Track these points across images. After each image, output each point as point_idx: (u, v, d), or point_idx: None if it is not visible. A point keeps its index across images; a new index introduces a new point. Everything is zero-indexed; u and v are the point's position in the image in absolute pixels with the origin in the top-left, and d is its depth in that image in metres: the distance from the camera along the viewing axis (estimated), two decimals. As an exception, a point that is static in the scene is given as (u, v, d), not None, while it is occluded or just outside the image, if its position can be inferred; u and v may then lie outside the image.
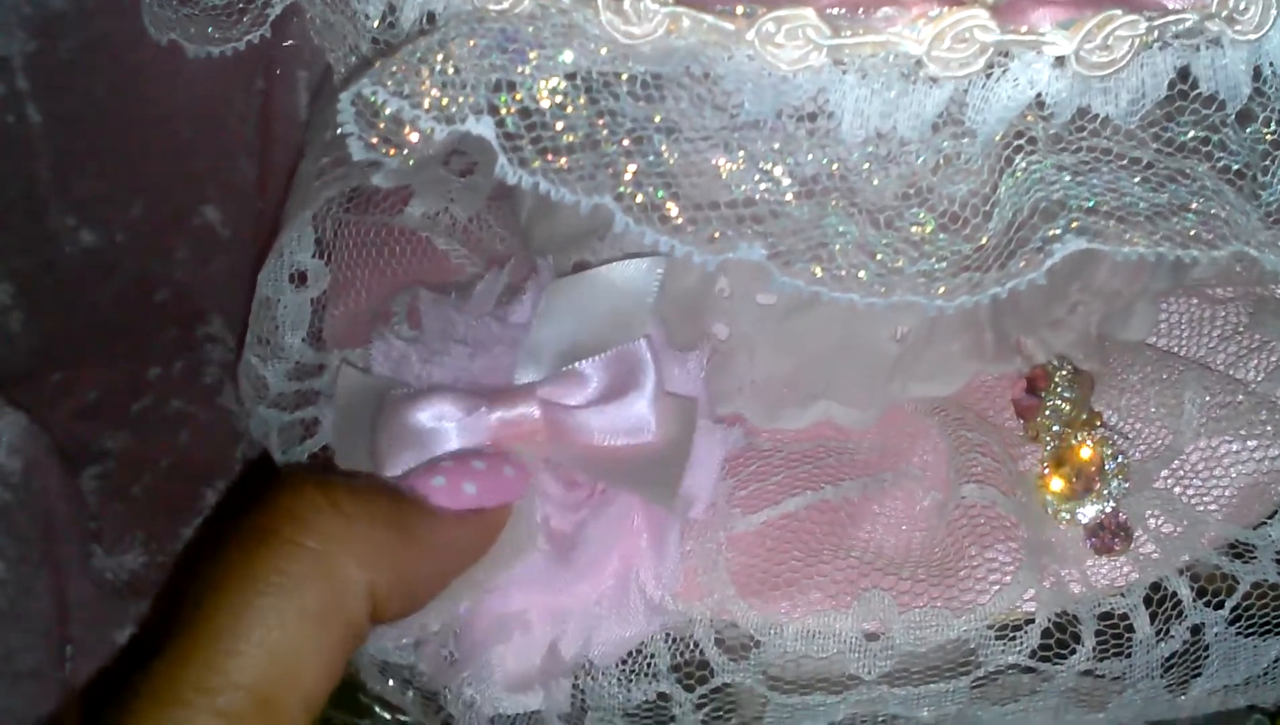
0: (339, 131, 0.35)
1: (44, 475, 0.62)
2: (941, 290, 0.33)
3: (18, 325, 0.72)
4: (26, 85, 0.66)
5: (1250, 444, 0.45)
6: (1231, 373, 0.48)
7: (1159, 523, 0.44)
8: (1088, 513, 0.45)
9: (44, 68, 0.66)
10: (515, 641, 0.43)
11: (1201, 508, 0.45)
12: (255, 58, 0.67)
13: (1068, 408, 0.46)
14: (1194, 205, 0.33)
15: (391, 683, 0.48)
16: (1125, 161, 0.34)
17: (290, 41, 0.67)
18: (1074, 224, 0.32)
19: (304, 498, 0.36)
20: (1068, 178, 0.33)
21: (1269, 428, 0.45)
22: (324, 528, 0.36)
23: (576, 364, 0.44)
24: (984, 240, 0.34)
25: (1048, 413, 0.46)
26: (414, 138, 0.35)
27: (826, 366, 0.48)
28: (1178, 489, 0.45)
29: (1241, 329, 0.49)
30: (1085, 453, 0.45)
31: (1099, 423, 0.46)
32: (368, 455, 0.45)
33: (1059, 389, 0.46)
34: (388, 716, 0.56)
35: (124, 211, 0.71)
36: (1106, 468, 0.45)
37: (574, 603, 0.43)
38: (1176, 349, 0.49)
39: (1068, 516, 0.45)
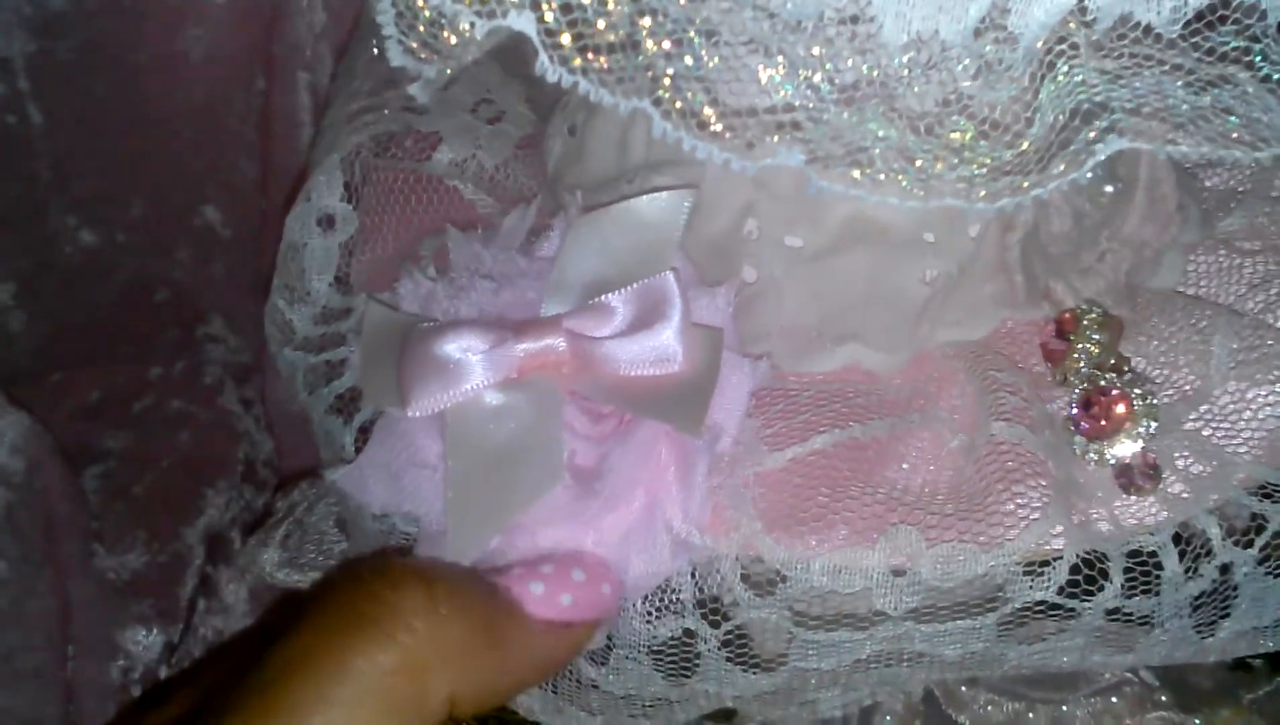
0: (379, 31, 0.35)
1: (45, 475, 0.62)
2: (982, 194, 0.33)
3: (19, 325, 0.72)
4: (27, 85, 0.67)
5: (1279, 388, 0.45)
6: (1261, 320, 0.47)
7: (1188, 463, 0.44)
8: (1116, 453, 0.44)
9: (44, 68, 0.67)
10: None
11: (1230, 449, 0.44)
12: (255, 58, 0.68)
13: (1096, 351, 0.46)
14: (1237, 109, 0.33)
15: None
16: (1167, 67, 0.34)
17: (290, 41, 0.68)
18: (1117, 124, 0.32)
19: (407, 593, 0.36)
20: (1110, 81, 0.33)
21: (1298, 373, 0.45)
22: (420, 627, 0.35)
23: (603, 297, 0.44)
24: (1025, 145, 0.34)
25: (1076, 356, 0.46)
26: (453, 41, 0.35)
27: (855, 310, 0.48)
28: (1206, 431, 0.45)
29: (1270, 278, 0.49)
30: (1114, 393, 0.45)
31: (1127, 367, 0.46)
32: (394, 393, 0.44)
33: (1088, 332, 0.46)
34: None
35: (124, 211, 0.72)
36: (1136, 409, 0.45)
37: (601, 538, 0.43)
38: (1205, 297, 0.49)
39: (1096, 456, 0.44)
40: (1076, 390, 0.46)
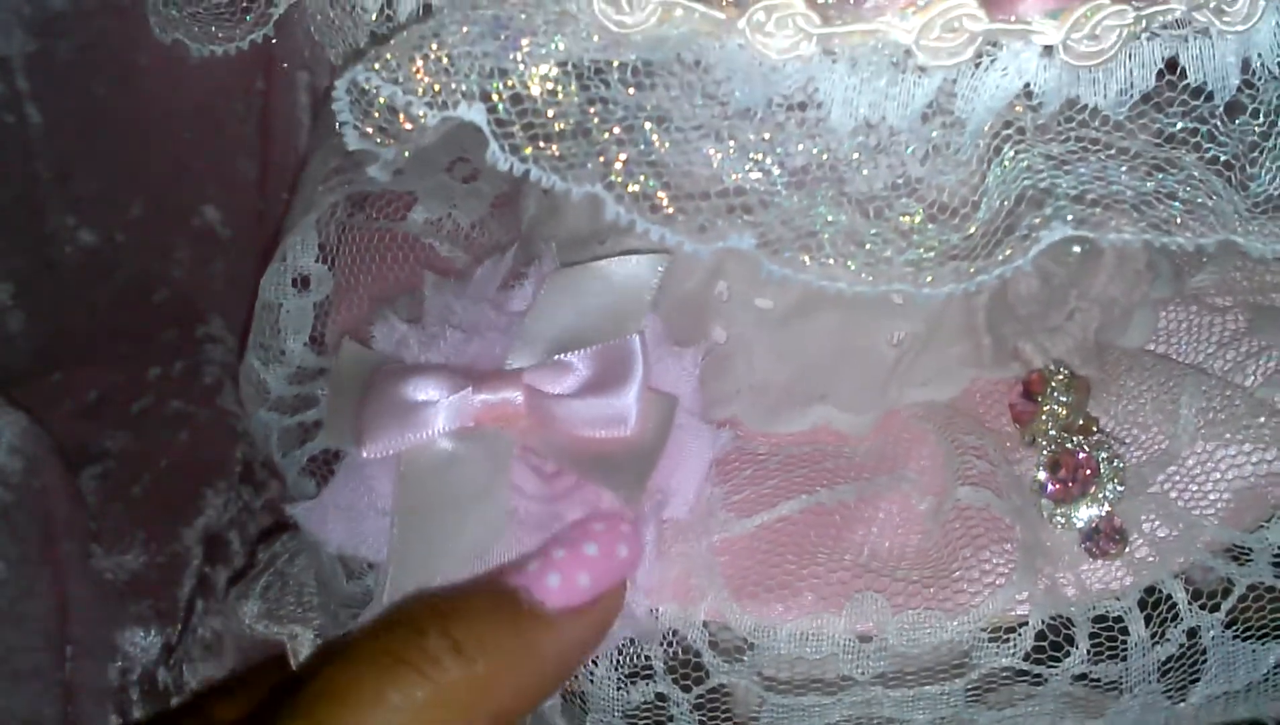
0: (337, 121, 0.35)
1: (44, 475, 0.63)
2: (929, 279, 0.33)
3: (18, 325, 0.73)
4: (26, 85, 0.67)
5: (1247, 448, 0.45)
6: (1230, 378, 0.47)
7: (1154, 526, 0.44)
8: (1083, 516, 0.44)
9: (44, 68, 0.67)
10: None
11: (1197, 512, 0.44)
12: (255, 58, 0.68)
13: (1064, 412, 0.46)
14: (1181, 193, 0.33)
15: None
16: (1113, 151, 0.34)
17: (290, 42, 0.68)
18: (1060, 211, 0.32)
19: (430, 639, 0.37)
20: (1055, 167, 0.33)
21: (1266, 432, 0.45)
22: (451, 665, 0.36)
23: (565, 354, 0.44)
24: (972, 230, 0.34)
25: (1044, 417, 0.46)
26: (409, 126, 0.35)
27: (824, 371, 0.48)
28: (1173, 493, 0.45)
29: (1240, 335, 0.49)
30: (1081, 457, 0.45)
31: (1095, 428, 0.46)
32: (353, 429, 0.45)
33: (1055, 393, 0.46)
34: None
35: (124, 211, 0.72)
36: (1102, 472, 0.45)
37: None
38: (1175, 355, 0.49)
39: (1063, 520, 0.45)
40: (1044, 452, 0.46)
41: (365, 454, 0.44)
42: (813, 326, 0.47)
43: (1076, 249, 0.47)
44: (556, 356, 0.44)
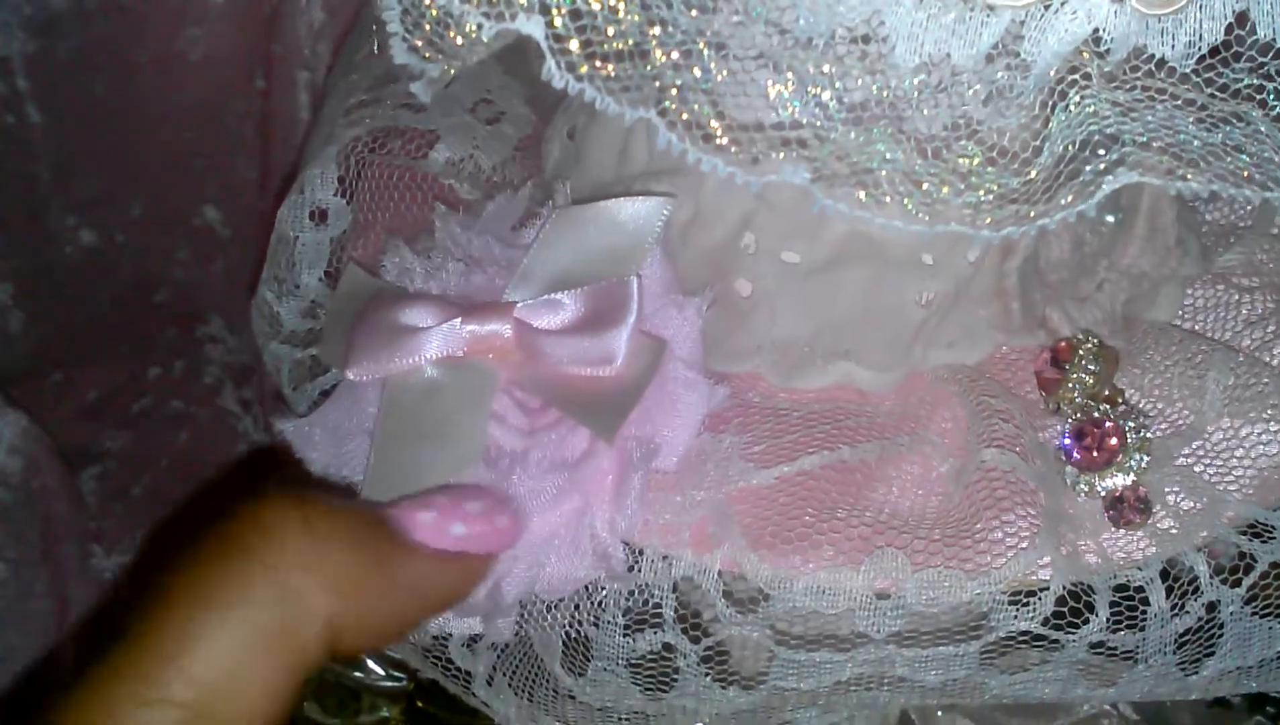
0: (384, 28, 0.35)
1: (44, 475, 0.62)
2: (987, 221, 0.33)
3: (18, 325, 0.72)
4: (27, 85, 0.66)
5: (1273, 427, 0.45)
6: (1257, 357, 0.47)
7: (1178, 499, 0.44)
8: (1107, 485, 0.44)
9: (44, 68, 0.66)
10: None
11: (1222, 487, 0.44)
12: (255, 58, 0.68)
13: (1091, 382, 0.46)
14: (1249, 147, 0.32)
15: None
16: (1180, 102, 0.33)
17: (289, 41, 0.67)
18: (1127, 157, 0.31)
19: (278, 514, 0.34)
20: (1121, 114, 0.33)
21: (1292, 411, 0.45)
22: (293, 548, 0.34)
23: (561, 293, 0.44)
24: (1033, 174, 0.33)
25: (1070, 386, 0.46)
26: (459, 41, 0.34)
27: (849, 328, 0.47)
28: (1198, 467, 0.45)
29: (1267, 315, 0.49)
30: (1107, 426, 0.45)
31: (1121, 399, 0.46)
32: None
33: (1083, 362, 0.46)
34: (380, 671, 0.56)
35: (124, 212, 0.72)
36: (1128, 442, 0.44)
37: (526, 536, 0.42)
38: (1202, 332, 0.49)
39: (1087, 488, 0.44)
40: (1069, 420, 0.45)
41: (350, 375, 0.44)
42: (840, 282, 0.46)
43: (1110, 218, 0.47)
44: (550, 294, 0.44)
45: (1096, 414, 0.45)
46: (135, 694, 0.31)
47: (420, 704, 0.55)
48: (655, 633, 0.44)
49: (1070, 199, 0.32)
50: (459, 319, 0.43)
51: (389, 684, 0.55)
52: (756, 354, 0.48)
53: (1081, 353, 0.46)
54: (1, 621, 0.58)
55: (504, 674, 0.46)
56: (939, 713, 0.56)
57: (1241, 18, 0.33)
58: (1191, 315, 0.50)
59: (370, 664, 0.55)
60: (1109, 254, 0.48)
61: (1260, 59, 0.34)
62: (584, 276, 0.44)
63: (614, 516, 0.43)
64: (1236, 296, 0.50)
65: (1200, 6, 0.33)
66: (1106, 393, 0.46)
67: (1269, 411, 0.45)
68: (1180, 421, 0.46)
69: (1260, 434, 0.45)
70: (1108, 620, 0.42)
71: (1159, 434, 0.46)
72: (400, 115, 0.53)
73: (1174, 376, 0.47)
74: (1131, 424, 0.45)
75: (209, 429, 0.73)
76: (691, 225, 0.47)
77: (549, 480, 0.42)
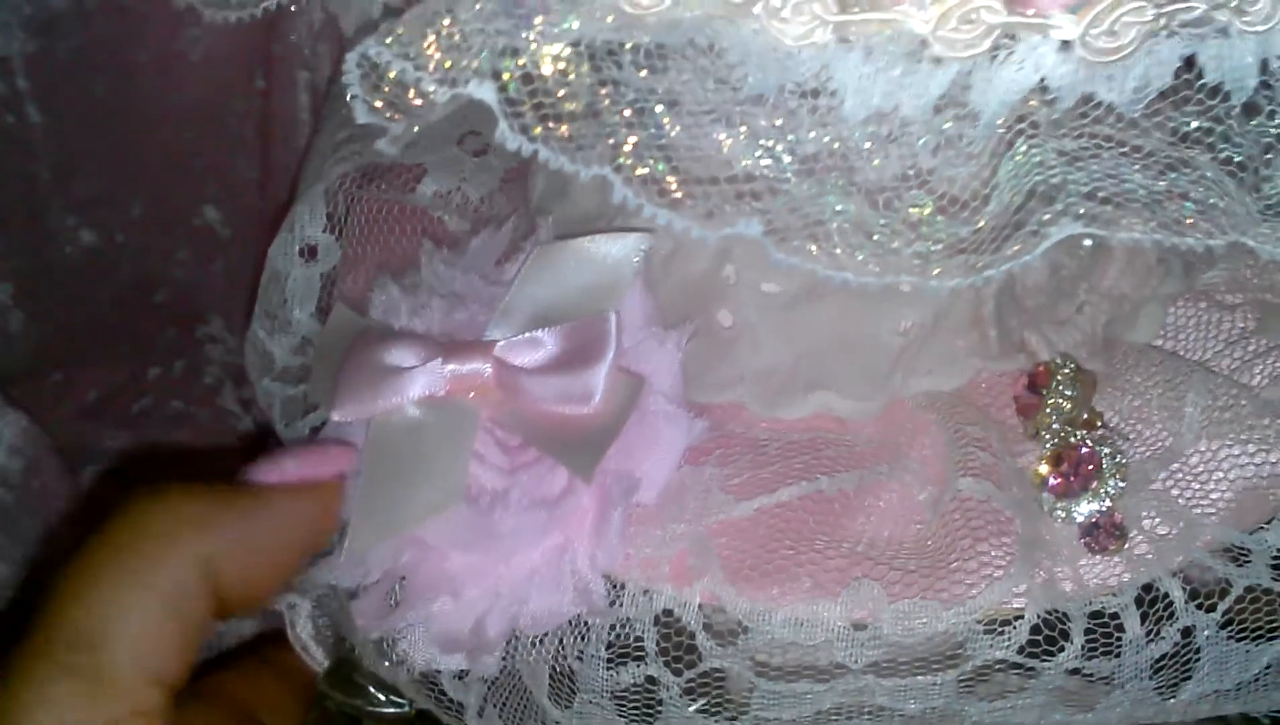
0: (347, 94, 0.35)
1: (44, 475, 0.63)
2: (937, 271, 0.33)
3: (18, 325, 0.72)
4: (26, 85, 0.67)
5: (1250, 449, 0.45)
6: (1237, 377, 0.47)
7: (1154, 524, 0.44)
8: (1083, 511, 0.44)
9: (44, 67, 0.66)
10: (446, 604, 0.44)
11: (1198, 510, 0.44)
12: (255, 58, 0.68)
13: (1068, 406, 0.46)
14: (1193, 194, 0.32)
15: (387, 663, 0.48)
16: (1126, 149, 0.33)
17: (290, 41, 0.67)
18: (1071, 208, 0.32)
19: (133, 494, 0.41)
20: (1067, 163, 0.33)
21: (1270, 433, 0.45)
22: (152, 510, 0.40)
23: (539, 331, 0.45)
24: (981, 223, 0.33)
25: (1048, 410, 0.46)
26: (418, 102, 0.35)
27: (828, 358, 0.48)
28: (1175, 491, 0.45)
29: (1248, 334, 0.49)
30: (1083, 451, 0.45)
31: (1099, 422, 0.46)
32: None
33: (1060, 387, 0.46)
34: (381, 697, 0.56)
35: (124, 211, 0.72)
36: (1104, 467, 0.45)
37: (507, 574, 0.44)
38: (1182, 352, 0.49)
39: (1063, 514, 0.44)
40: (1047, 446, 0.46)
41: (336, 417, 0.45)
42: (818, 312, 0.47)
43: (1088, 242, 0.46)
44: (529, 332, 0.45)
45: (1073, 440, 0.45)
46: (38, 667, 0.37)
47: (422, 731, 0.56)
48: (638, 665, 0.44)
49: (1017, 249, 0.32)
50: (440, 358, 0.44)
51: (390, 710, 0.56)
52: (739, 384, 0.48)
53: (1059, 378, 0.46)
54: (1, 622, 0.59)
55: (495, 705, 0.46)
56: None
57: (1189, 62, 0.34)
58: (1173, 334, 0.50)
59: (371, 690, 0.56)
60: (1088, 277, 0.48)
61: (1209, 102, 0.34)
62: (564, 313, 0.45)
63: (595, 552, 0.44)
64: (1218, 315, 0.50)
65: (1148, 52, 0.33)
66: (1085, 417, 0.46)
67: (1246, 433, 0.45)
68: (1159, 444, 0.46)
69: (1238, 456, 0.45)
70: (1083, 647, 0.43)
71: (1137, 457, 0.46)
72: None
73: (1153, 398, 0.47)
74: (1108, 449, 0.45)
75: (209, 429, 0.74)
76: (673, 257, 0.48)
77: (530, 518, 0.43)
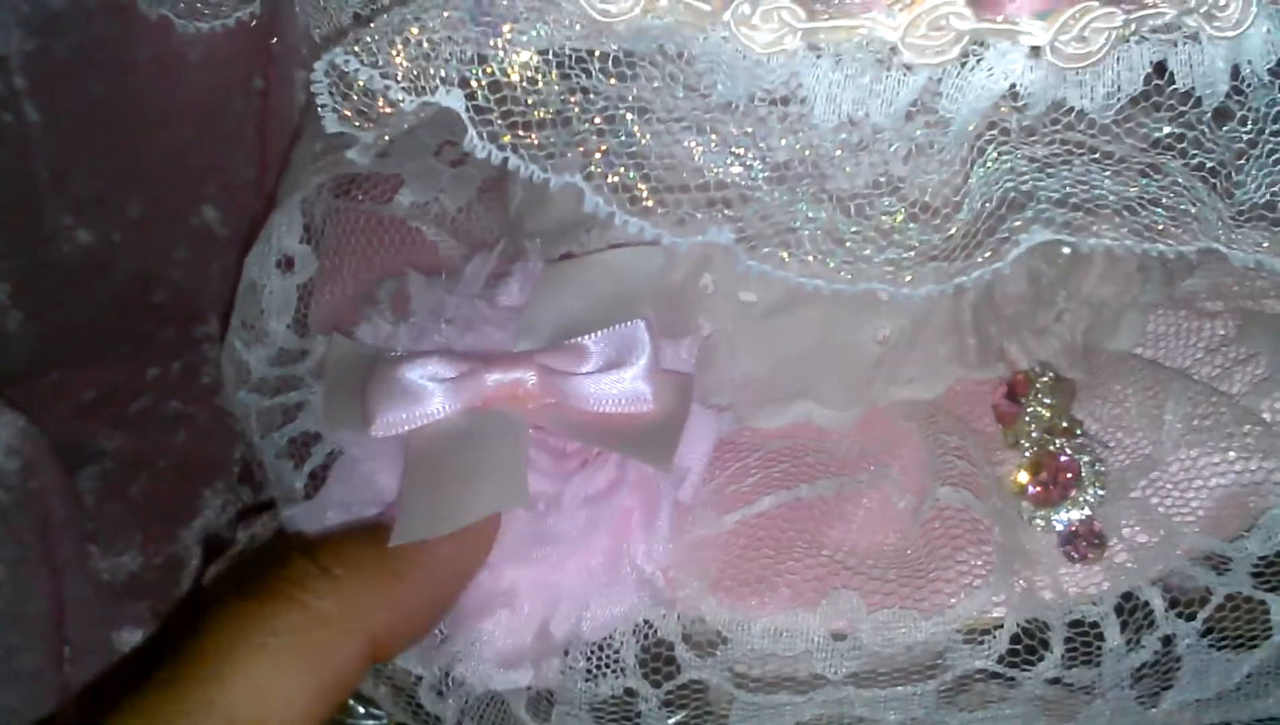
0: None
1: (41, 476, 0.62)
2: (909, 278, 0.33)
3: (15, 325, 0.72)
4: (24, 84, 0.66)
5: (1230, 456, 0.45)
6: (1217, 385, 0.47)
7: (1134, 532, 0.44)
8: (1063, 519, 0.44)
9: (42, 66, 0.66)
10: (503, 619, 0.43)
11: (1178, 519, 0.44)
12: (254, 58, 0.68)
13: (1047, 415, 0.46)
14: (1165, 200, 0.32)
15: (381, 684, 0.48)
16: (1098, 155, 0.33)
17: (288, 41, 0.67)
18: (1041, 215, 0.32)
19: (294, 565, 0.38)
20: (1038, 170, 0.33)
21: (1250, 440, 0.45)
22: (315, 587, 0.37)
23: (579, 338, 0.45)
24: (953, 230, 0.33)
25: (1027, 419, 0.46)
26: (387, 110, 0.35)
27: (807, 366, 0.47)
28: (1155, 499, 0.45)
29: (1229, 342, 0.48)
30: (1062, 460, 0.45)
31: (1079, 431, 0.46)
32: (357, 418, 0.45)
33: (1039, 395, 0.46)
34: (361, 710, 0.56)
35: (122, 211, 0.72)
36: (1084, 475, 0.44)
37: (564, 579, 0.44)
38: (1163, 360, 0.49)
39: (1042, 523, 0.44)
40: (1026, 454, 0.45)
41: (375, 431, 0.44)
42: (797, 321, 0.47)
43: (1066, 250, 0.47)
44: (568, 340, 0.45)
45: (1052, 448, 0.45)
46: (183, 709, 0.34)
47: (399, 743, 0.55)
48: (616, 677, 0.44)
49: (988, 256, 0.32)
50: (481, 368, 0.44)
51: (369, 722, 0.55)
52: (718, 392, 0.48)
53: (1038, 386, 0.46)
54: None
55: (472, 718, 0.46)
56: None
57: (1160, 68, 0.34)
58: (1153, 342, 0.50)
59: (350, 702, 0.56)
60: (1067, 284, 0.48)
61: (1180, 108, 0.34)
62: (587, 325, 0.45)
63: (649, 545, 0.44)
64: (1198, 323, 0.50)
65: (1118, 58, 0.33)
66: (1064, 425, 0.46)
67: (1225, 441, 0.45)
68: (1138, 452, 0.46)
69: (1218, 464, 0.45)
70: (1063, 656, 0.42)
71: (1117, 465, 0.46)
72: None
73: (1133, 406, 0.47)
74: (1087, 458, 0.45)
75: (207, 429, 0.73)
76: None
77: (581, 517, 0.43)
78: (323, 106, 0.35)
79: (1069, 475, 0.45)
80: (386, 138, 0.36)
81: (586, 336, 0.45)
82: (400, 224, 0.55)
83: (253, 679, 0.35)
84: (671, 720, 0.44)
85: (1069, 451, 0.45)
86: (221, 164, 0.72)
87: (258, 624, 0.36)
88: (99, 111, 0.68)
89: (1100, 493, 0.44)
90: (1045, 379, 0.46)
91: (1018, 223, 0.32)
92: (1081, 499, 0.44)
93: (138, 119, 0.69)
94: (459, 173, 0.55)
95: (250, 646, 0.36)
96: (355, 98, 0.34)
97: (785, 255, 0.33)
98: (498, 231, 0.55)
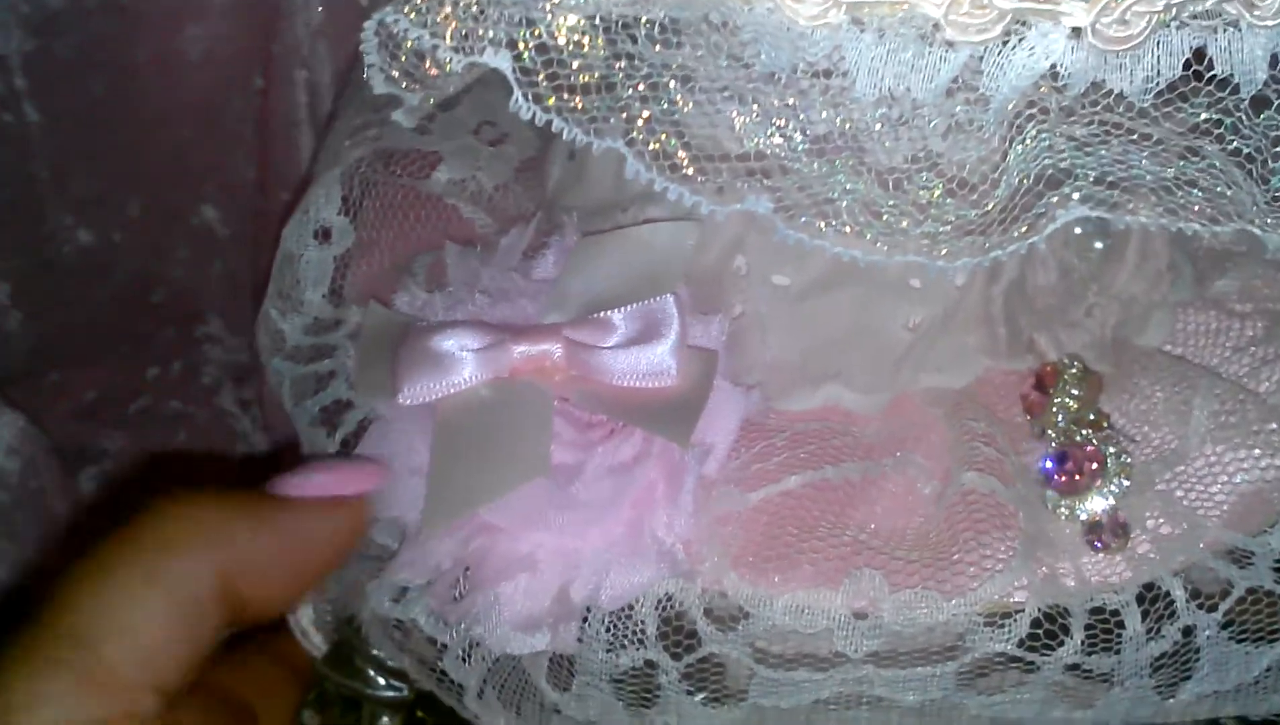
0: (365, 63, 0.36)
1: (42, 476, 0.63)
2: (944, 252, 0.33)
3: (15, 325, 0.73)
4: (24, 84, 0.67)
5: (1256, 453, 0.45)
6: (1244, 383, 0.47)
7: (1158, 524, 0.44)
8: (1087, 509, 0.44)
9: (42, 66, 0.67)
10: (522, 582, 0.44)
11: (1201, 512, 0.44)
12: (253, 57, 0.68)
13: (1075, 406, 0.46)
14: (1201, 182, 0.33)
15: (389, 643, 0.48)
16: (1136, 137, 0.34)
17: (288, 40, 0.68)
18: (1078, 192, 0.32)
19: (155, 498, 0.40)
20: (1076, 148, 0.33)
21: (1275, 438, 0.45)
22: (172, 515, 0.39)
23: (606, 312, 0.45)
24: (990, 206, 0.34)
25: (1054, 409, 0.46)
26: (434, 72, 0.35)
27: (837, 351, 0.48)
28: (1179, 492, 0.45)
29: (1257, 342, 0.49)
30: (1088, 450, 0.45)
31: (1105, 423, 0.46)
32: (387, 386, 0.46)
33: (1067, 387, 0.46)
34: (381, 680, 0.56)
35: (122, 211, 0.72)
36: (1109, 466, 0.45)
37: (585, 547, 0.44)
38: (1191, 357, 0.49)
39: (1067, 512, 0.45)
40: (1052, 444, 0.46)
41: (402, 399, 0.45)
42: (828, 305, 0.47)
43: (1099, 244, 0.47)
44: (596, 313, 0.45)
45: (1078, 438, 0.45)
46: (33, 659, 0.36)
47: (420, 714, 0.56)
48: (638, 649, 0.44)
49: (1024, 230, 0.32)
50: (508, 339, 0.45)
51: (390, 694, 0.56)
52: (748, 375, 0.49)
53: (1066, 378, 0.47)
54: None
55: (494, 687, 0.46)
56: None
57: (1199, 53, 0.34)
58: (1182, 340, 0.50)
59: (371, 673, 0.56)
60: (1098, 279, 0.48)
61: (1218, 94, 0.34)
62: (617, 300, 0.46)
63: (670, 518, 0.44)
64: (1228, 323, 0.50)
65: (1158, 43, 0.33)
66: (1091, 417, 0.46)
67: (1251, 438, 0.45)
68: (1164, 446, 0.46)
69: (1243, 460, 0.45)
70: (1083, 643, 0.43)
71: (1142, 458, 0.46)
72: (404, 136, 0.54)
73: (1160, 401, 0.47)
74: (1113, 449, 0.45)
75: (207, 429, 0.74)
76: (685, 246, 0.48)
77: (605, 486, 0.44)
78: (370, 66, 0.36)
79: (1094, 465, 0.45)
80: (431, 100, 0.36)
81: (613, 310, 0.45)
82: (437, 200, 0.55)
83: (100, 598, 0.37)
84: (691, 693, 0.45)
85: (1095, 442, 0.45)
86: (221, 164, 0.72)
87: (107, 555, 0.38)
88: (99, 111, 0.69)
89: (1125, 484, 0.45)
90: (1073, 371, 0.47)
91: (1055, 198, 0.32)
92: (1106, 489, 0.44)
93: (138, 119, 0.70)
94: (497, 152, 0.56)
95: (102, 571, 0.37)
96: (404, 58, 0.35)
97: (822, 225, 0.33)
98: (534, 209, 0.55)
